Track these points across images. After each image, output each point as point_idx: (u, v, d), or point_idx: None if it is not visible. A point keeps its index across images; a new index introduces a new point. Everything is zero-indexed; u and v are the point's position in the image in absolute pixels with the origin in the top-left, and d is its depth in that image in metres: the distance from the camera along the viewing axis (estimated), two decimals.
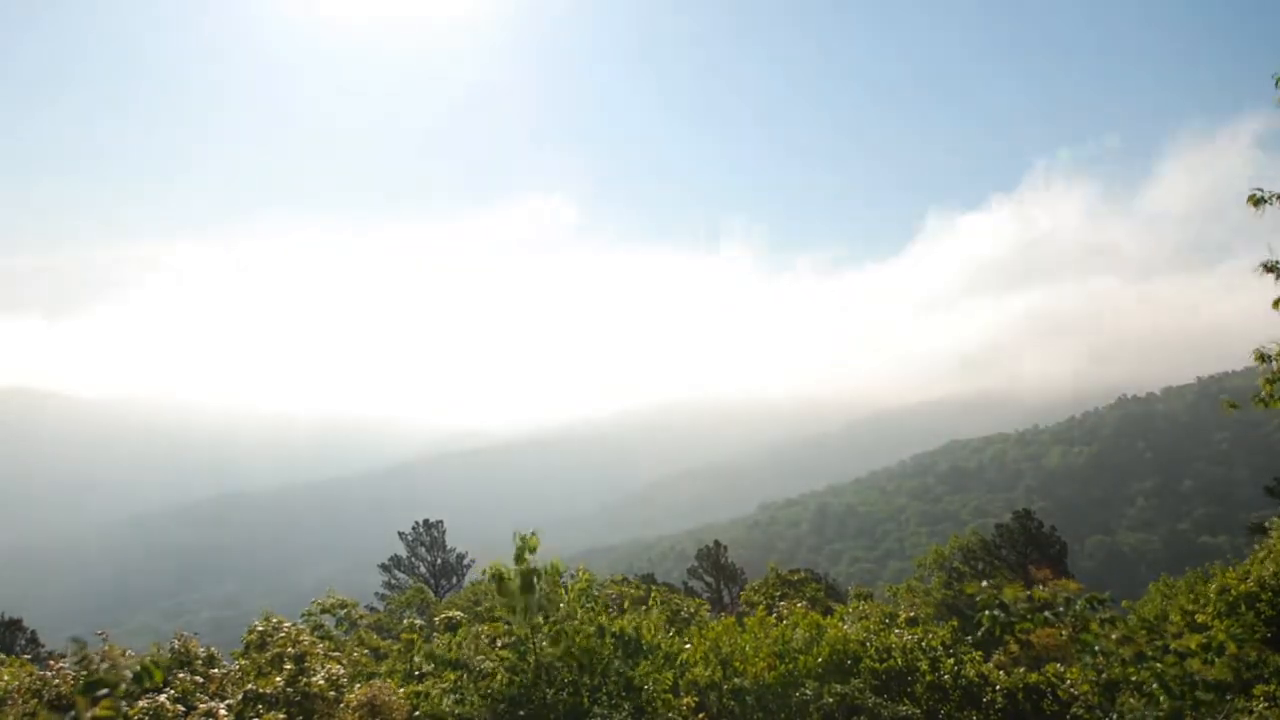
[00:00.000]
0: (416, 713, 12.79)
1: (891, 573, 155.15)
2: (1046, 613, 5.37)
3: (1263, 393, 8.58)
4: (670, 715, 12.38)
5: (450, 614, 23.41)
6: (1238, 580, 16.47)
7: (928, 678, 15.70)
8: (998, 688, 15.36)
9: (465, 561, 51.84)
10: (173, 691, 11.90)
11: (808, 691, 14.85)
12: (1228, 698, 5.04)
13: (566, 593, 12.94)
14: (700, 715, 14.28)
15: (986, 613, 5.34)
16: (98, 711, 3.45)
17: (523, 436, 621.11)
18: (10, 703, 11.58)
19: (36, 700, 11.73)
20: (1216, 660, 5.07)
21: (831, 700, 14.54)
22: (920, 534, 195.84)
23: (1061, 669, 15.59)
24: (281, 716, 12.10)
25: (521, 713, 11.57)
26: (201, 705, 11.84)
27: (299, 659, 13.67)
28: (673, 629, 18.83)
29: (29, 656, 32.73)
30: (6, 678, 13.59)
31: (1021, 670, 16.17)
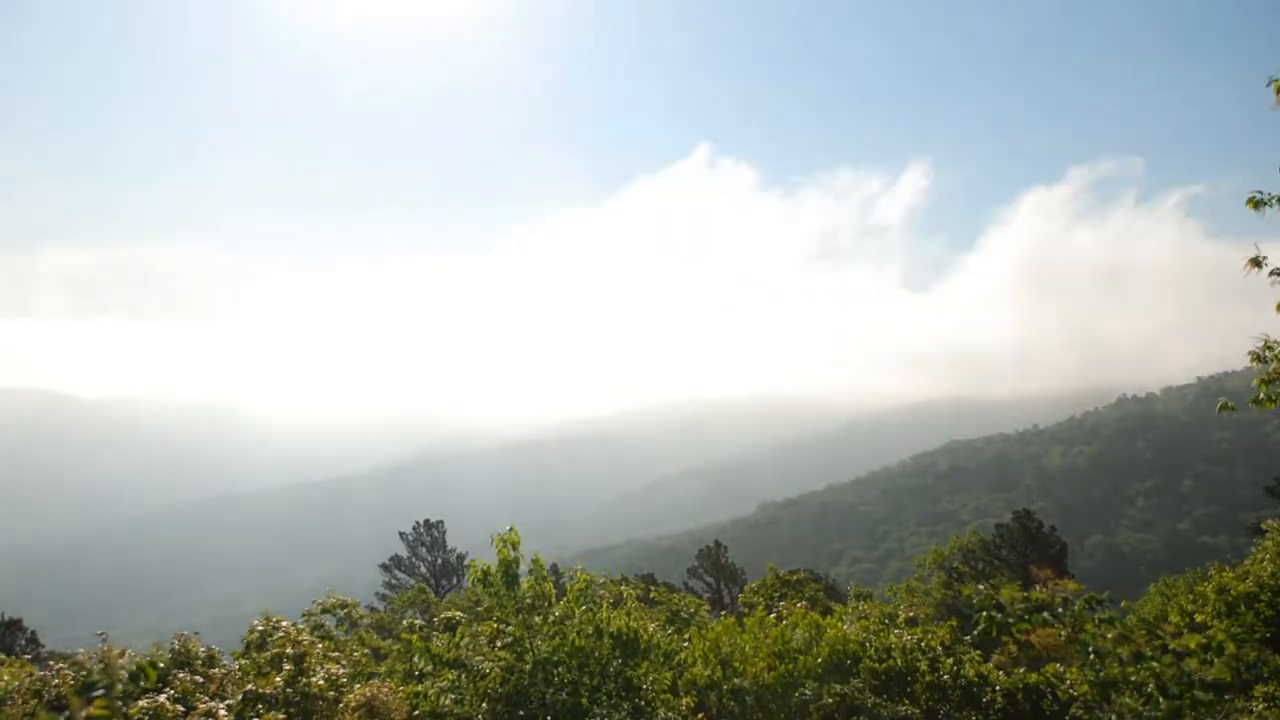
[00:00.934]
0: (416, 712, 12.79)
1: (891, 573, 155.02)
2: (1045, 613, 5.37)
3: (1260, 393, 8.58)
4: (669, 715, 12.38)
5: (450, 614, 23.41)
6: (1237, 580, 16.46)
7: (927, 678, 15.69)
8: (997, 688, 15.35)
9: (465, 562, 51.76)
10: (173, 691, 11.90)
11: (807, 691, 14.85)
12: (1226, 698, 5.04)
13: (566, 592, 12.96)
14: (700, 715, 14.28)
15: (984, 613, 5.33)
16: (93, 711, 3.45)
17: (523, 436, 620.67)
18: (10, 703, 11.57)
19: (36, 700, 11.74)
20: (1215, 660, 5.07)
21: (831, 700, 14.54)
22: (920, 534, 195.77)
23: (1061, 669, 15.57)
24: (281, 716, 12.10)
25: (521, 712, 11.57)
26: (201, 705, 11.83)
27: (299, 659, 13.66)
28: (673, 629, 18.84)
29: (29, 656, 32.75)
30: (6, 678, 13.60)
31: (1021, 670, 16.16)
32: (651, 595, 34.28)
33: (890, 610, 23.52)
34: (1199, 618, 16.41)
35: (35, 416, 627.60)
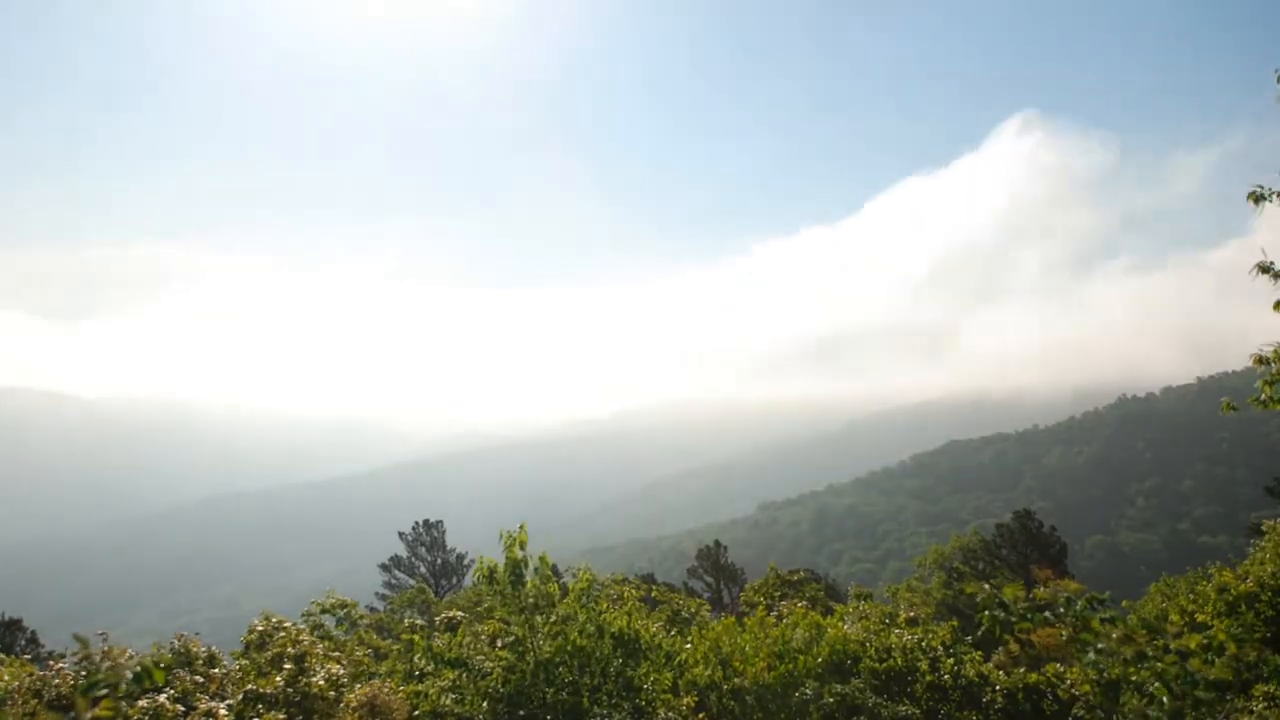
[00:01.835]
0: (416, 712, 12.78)
1: (891, 573, 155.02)
2: (1046, 613, 5.35)
3: (1262, 395, 8.56)
4: (670, 715, 12.37)
5: (452, 614, 23.41)
6: (1237, 580, 16.45)
7: (928, 678, 15.69)
8: (998, 688, 15.34)
9: (465, 561, 51.76)
10: (173, 691, 11.90)
11: (808, 691, 14.84)
12: (1228, 697, 5.03)
13: (568, 592, 12.95)
14: (700, 715, 14.27)
15: (986, 613, 5.32)
16: (98, 712, 3.44)
17: (523, 436, 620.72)
18: (10, 703, 11.56)
19: (36, 700, 11.72)
20: (1216, 660, 5.06)
21: (831, 700, 14.53)
22: (920, 534, 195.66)
23: (1061, 669, 15.57)
24: (281, 716, 12.09)
25: (521, 712, 11.56)
26: (201, 705, 11.84)
27: (299, 659, 13.66)
28: (673, 629, 18.82)
29: (29, 656, 32.73)
30: (6, 678, 13.58)
31: (1021, 670, 16.16)
32: (653, 595, 34.26)
33: (890, 610, 23.50)
34: (1200, 617, 16.40)
35: (35, 416, 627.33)
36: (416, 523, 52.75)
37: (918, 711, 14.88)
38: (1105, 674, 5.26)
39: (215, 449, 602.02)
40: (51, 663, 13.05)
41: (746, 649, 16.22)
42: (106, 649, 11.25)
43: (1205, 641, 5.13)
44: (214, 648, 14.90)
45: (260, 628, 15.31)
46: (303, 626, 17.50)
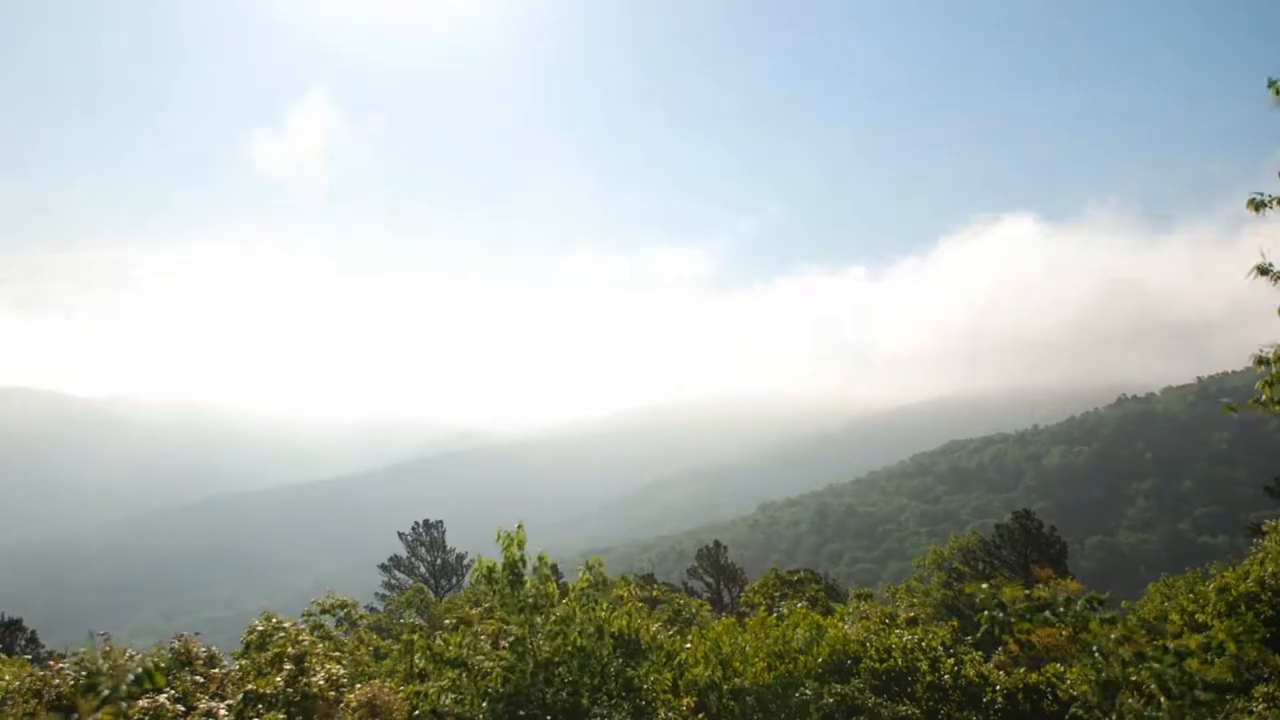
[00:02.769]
0: (416, 712, 12.79)
1: (891, 573, 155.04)
2: (1046, 613, 5.36)
3: (1262, 396, 8.56)
4: (670, 715, 12.37)
5: (464, 613, 23.40)
6: (1237, 580, 16.46)
7: (928, 678, 15.69)
8: (998, 688, 15.35)
9: (465, 561, 51.78)
10: (173, 691, 11.90)
11: (808, 692, 14.85)
12: (1227, 698, 5.03)
13: (567, 592, 12.95)
14: (700, 715, 14.27)
15: (986, 613, 5.33)
16: (101, 717, 3.44)
17: (523, 436, 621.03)
18: (10, 703, 11.57)
19: (36, 700, 11.73)
20: (1216, 660, 5.06)
21: (831, 700, 14.54)
22: (920, 534, 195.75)
23: (1061, 669, 15.59)
24: (281, 716, 12.10)
25: (521, 712, 11.57)
26: (201, 705, 11.84)
27: (299, 659, 13.66)
28: (674, 629, 18.83)
29: (29, 656, 32.72)
30: (7, 678, 13.58)
31: (1021, 670, 16.17)
32: (654, 595, 34.30)
33: (890, 610, 23.52)
34: (1200, 617, 16.42)
35: (35, 416, 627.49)
36: (416, 523, 52.78)
37: (918, 711, 14.88)
38: (1104, 674, 5.27)
39: (215, 449, 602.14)
40: (51, 663, 13.05)
41: (746, 649, 16.22)
42: (107, 649, 11.25)
43: (1205, 642, 5.13)
44: (214, 648, 14.90)
45: (260, 628, 15.30)
46: (303, 626, 17.49)
